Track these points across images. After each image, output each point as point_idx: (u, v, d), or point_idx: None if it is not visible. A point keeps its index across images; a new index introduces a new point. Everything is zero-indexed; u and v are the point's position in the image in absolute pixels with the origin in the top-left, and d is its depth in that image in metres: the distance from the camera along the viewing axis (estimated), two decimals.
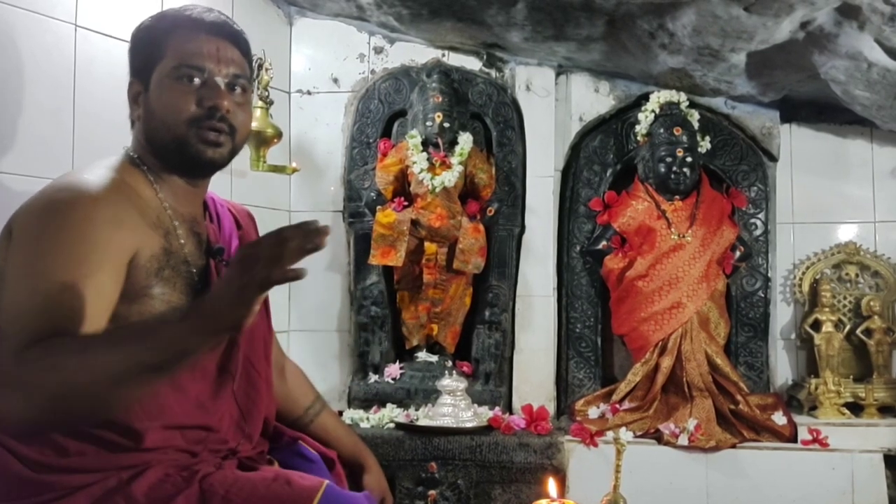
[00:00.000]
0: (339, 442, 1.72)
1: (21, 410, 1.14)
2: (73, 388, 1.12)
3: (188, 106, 1.35)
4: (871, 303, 2.81)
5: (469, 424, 2.51)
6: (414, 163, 2.74)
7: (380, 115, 2.91)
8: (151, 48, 1.39)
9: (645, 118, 2.82)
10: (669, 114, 2.79)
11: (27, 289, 1.20)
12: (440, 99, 2.76)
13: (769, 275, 2.86)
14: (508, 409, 2.76)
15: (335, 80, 3.00)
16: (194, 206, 1.47)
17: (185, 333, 1.13)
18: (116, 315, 1.26)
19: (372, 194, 2.82)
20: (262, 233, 1.66)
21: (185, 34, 1.38)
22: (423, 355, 2.85)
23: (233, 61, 1.41)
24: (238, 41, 1.43)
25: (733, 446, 2.47)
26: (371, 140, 2.91)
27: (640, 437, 2.53)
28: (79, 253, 1.22)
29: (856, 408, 2.69)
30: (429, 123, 2.75)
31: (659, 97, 2.81)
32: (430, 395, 2.67)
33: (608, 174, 2.93)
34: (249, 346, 1.48)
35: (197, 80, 1.36)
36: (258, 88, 2.60)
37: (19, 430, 1.21)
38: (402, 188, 2.81)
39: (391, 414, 2.63)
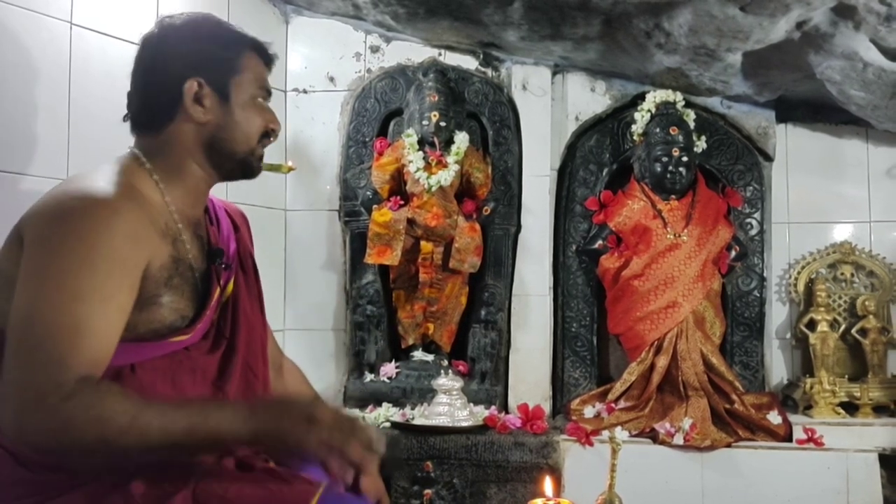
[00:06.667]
0: None
1: (45, 440, 1.15)
2: (110, 446, 1.15)
3: (262, 124, 1.46)
4: (867, 302, 2.82)
5: (465, 424, 2.51)
6: (410, 162, 2.74)
7: (376, 114, 2.91)
8: (228, 57, 1.42)
9: (641, 118, 2.82)
10: (665, 113, 2.80)
11: (52, 305, 1.18)
12: (436, 98, 2.76)
13: (765, 274, 2.87)
14: (504, 408, 2.76)
15: (331, 79, 3.00)
16: (199, 208, 1.48)
17: (231, 434, 1.20)
18: (126, 325, 1.26)
19: (368, 193, 2.81)
20: (255, 231, 1.68)
21: (256, 55, 1.47)
22: (419, 354, 2.85)
23: None
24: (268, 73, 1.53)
25: (728, 445, 2.48)
26: (367, 139, 2.91)
27: (636, 436, 2.54)
28: (102, 270, 1.22)
29: (851, 407, 2.70)
30: (425, 122, 2.75)
31: (655, 97, 2.82)
32: (425, 395, 2.67)
33: (604, 173, 2.93)
34: (248, 349, 1.47)
35: (261, 101, 1.47)
36: None
37: (25, 446, 1.20)
38: (399, 187, 2.81)
39: (387, 413, 2.63)
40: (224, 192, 2.56)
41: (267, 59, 1.49)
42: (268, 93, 1.49)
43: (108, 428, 1.14)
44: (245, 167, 1.48)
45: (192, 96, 1.39)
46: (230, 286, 1.47)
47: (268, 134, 1.48)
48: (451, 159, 2.73)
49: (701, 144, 2.84)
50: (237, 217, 1.63)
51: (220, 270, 1.44)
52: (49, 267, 1.21)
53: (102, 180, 1.30)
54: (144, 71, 1.42)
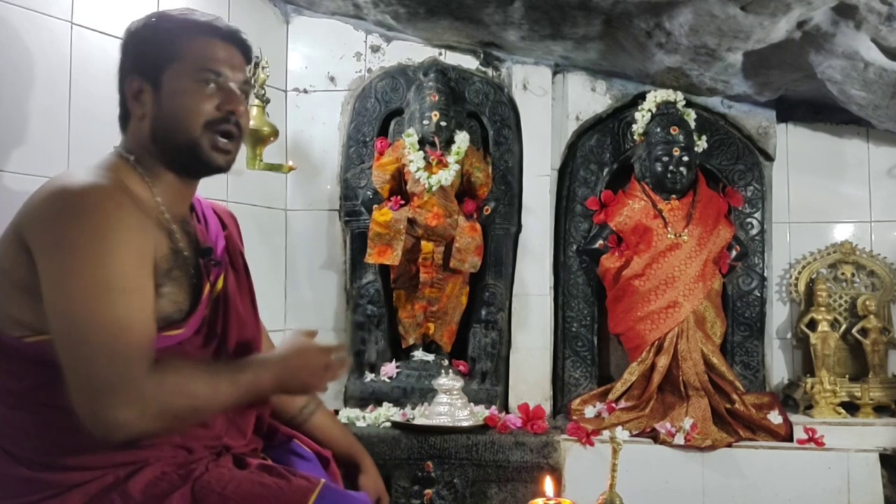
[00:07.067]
0: (334, 441, 1.72)
1: (142, 425, 1.21)
2: (197, 412, 1.30)
3: (207, 108, 1.39)
4: (867, 302, 2.82)
5: (465, 423, 2.51)
6: (410, 161, 2.73)
7: (376, 114, 2.91)
8: (162, 47, 1.40)
9: (641, 117, 2.82)
10: (666, 113, 2.79)
11: (99, 303, 1.21)
12: (437, 97, 2.76)
13: (765, 274, 2.86)
14: (505, 408, 2.76)
15: (332, 79, 3.00)
16: (185, 206, 1.49)
17: (272, 388, 1.41)
18: None
19: (368, 193, 2.81)
20: (245, 230, 1.70)
21: (201, 38, 1.41)
22: (419, 354, 2.85)
23: (241, 68, 1.46)
24: (245, 49, 1.48)
25: (729, 445, 2.47)
26: (367, 139, 2.91)
27: (637, 436, 2.54)
28: (127, 261, 1.25)
29: (851, 407, 2.69)
30: (425, 122, 2.75)
31: (655, 96, 2.81)
32: (426, 394, 2.67)
33: (605, 173, 2.93)
34: (239, 345, 1.49)
35: (213, 85, 1.40)
36: (255, 87, 2.60)
37: (123, 439, 1.24)
38: (399, 187, 2.81)
39: (387, 413, 2.63)
40: (224, 192, 2.57)
41: (223, 36, 1.43)
42: (216, 74, 1.39)
43: (198, 399, 1.27)
44: (194, 158, 1.40)
45: (131, 94, 1.41)
46: (220, 282, 1.47)
47: (226, 118, 1.40)
48: (451, 159, 2.73)
49: (701, 144, 2.84)
50: (225, 216, 1.64)
51: (210, 267, 1.45)
52: (78, 267, 1.22)
53: (95, 177, 1.31)
54: (117, 76, 1.47)
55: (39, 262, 1.24)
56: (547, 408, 2.78)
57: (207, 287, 1.42)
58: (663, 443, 2.48)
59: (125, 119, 1.45)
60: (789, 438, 2.50)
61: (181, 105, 1.38)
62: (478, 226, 2.78)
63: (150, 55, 1.40)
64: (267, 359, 1.43)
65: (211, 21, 1.44)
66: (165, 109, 1.39)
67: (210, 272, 1.44)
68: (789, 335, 2.96)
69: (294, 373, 1.41)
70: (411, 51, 2.95)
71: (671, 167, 2.74)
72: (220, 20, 1.46)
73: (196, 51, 1.39)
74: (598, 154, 2.94)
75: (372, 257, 2.74)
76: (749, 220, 2.87)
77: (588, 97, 2.95)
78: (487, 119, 2.89)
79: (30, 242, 1.25)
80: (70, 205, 1.25)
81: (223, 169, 1.45)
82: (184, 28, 1.42)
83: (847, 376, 2.76)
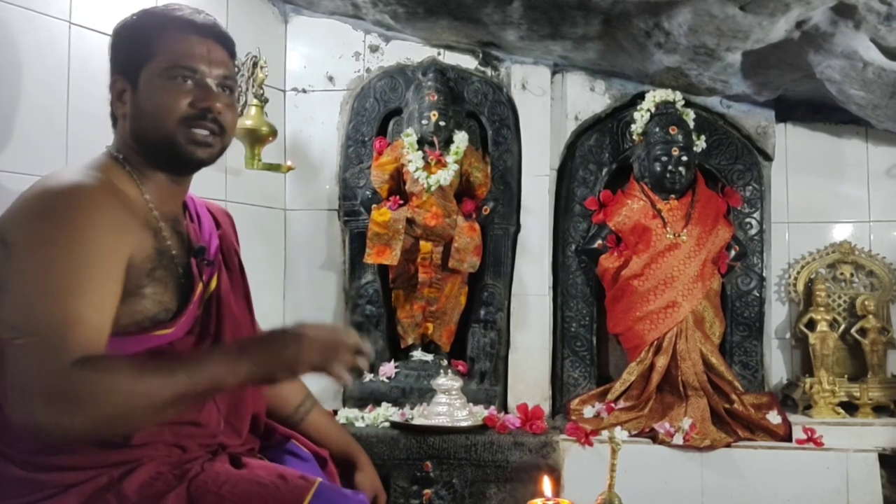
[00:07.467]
0: (330, 440, 1.71)
1: (73, 425, 1.16)
2: (126, 410, 1.18)
3: (180, 106, 1.37)
4: (866, 302, 2.82)
5: (464, 423, 2.51)
6: (409, 161, 2.73)
7: (375, 114, 2.91)
8: (140, 46, 1.40)
9: (640, 117, 2.82)
10: (665, 113, 2.79)
11: (44, 304, 1.20)
12: (436, 97, 2.76)
13: (764, 274, 2.86)
14: (503, 408, 2.76)
15: (330, 79, 2.99)
16: (176, 205, 1.49)
17: (230, 376, 1.25)
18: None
19: (367, 193, 2.81)
20: (244, 230, 1.70)
21: (176, 34, 1.40)
22: (418, 354, 2.85)
23: (222, 63, 1.43)
24: (226, 43, 1.46)
25: (728, 445, 2.47)
26: (366, 138, 2.91)
27: (635, 436, 2.54)
28: (90, 262, 1.23)
29: (850, 407, 2.69)
30: (424, 122, 2.75)
31: (654, 96, 2.81)
32: (425, 394, 2.67)
33: (604, 173, 2.93)
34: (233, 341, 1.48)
35: (189, 82, 1.38)
36: (253, 86, 2.60)
37: (61, 442, 1.22)
38: (398, 187, 2.81)
39: (386, 413, 2.63)
40: (223, 192, 2.57)
41: (201, 31, 1.41)
42: (192, 70, 1.38)
43: (118, 395, 1.17)
44: (173, 155, 1.39)
45: (115, 94, 1.42)
46: (213, 282, 1.47)
47: (202, 115, 1.38)
48: (450, 159, 2.73)
49: (700, 144, 2.84)
50: (219, 215, 1.63)
51: (202, 266, 1.44)
52: (36, 265, 1.22)
53: (80, 177, 1.32)
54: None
55: (11, 259, 1.24)
56: (546, 408, 2.77)
57: (200, 287, 1.42)
58: (662, 443, 2.48)
59: (112, 119, 1.45)
60: (788, 438, 2.50)
61: (155, 103, 1.37)
62: (476, 226, 2.78)
63: (129, 54, 1.41)
64: (228, 345, 1.35)
65: (188, 16, 1.42)
66: (141, 108, 1.39)
67: (203, 272, 1.44)
68: (788, 335, 2.96)
69: (262, 350, 1.29)
70: (410, 50, 2.95)
71: (670, 167, 2.74)
72: (200, 15, 1.43)
73: (172, 48, 1.38)
74: (597, 154, 2.94)
75: (371, 257, 2.74)
76: (748, 219, 2.87)
77: (587, 97, 2.95)
78: (486, 119, 2.89)
79: (8, 241, 1.25)
80: (46, 204, 1.26)
81: (205, 162, 1.43)
82: (161, 25, 1.41)
83: (846, 376, 2.76)
